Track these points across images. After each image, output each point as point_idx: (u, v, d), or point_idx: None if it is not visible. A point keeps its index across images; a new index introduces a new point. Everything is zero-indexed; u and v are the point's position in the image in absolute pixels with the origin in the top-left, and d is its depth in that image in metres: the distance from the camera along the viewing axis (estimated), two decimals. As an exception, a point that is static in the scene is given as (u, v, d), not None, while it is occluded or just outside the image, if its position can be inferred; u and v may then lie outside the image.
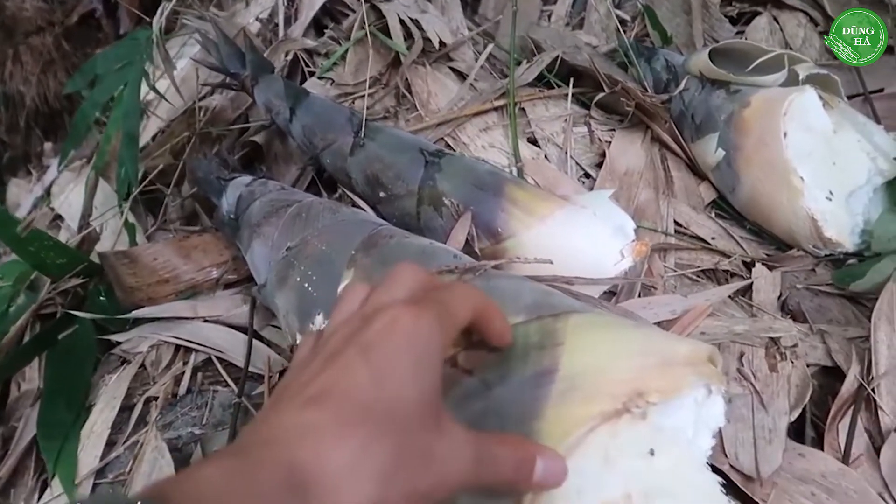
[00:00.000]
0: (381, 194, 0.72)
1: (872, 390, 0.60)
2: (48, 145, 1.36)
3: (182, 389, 0.66)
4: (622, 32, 0.97)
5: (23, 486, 0.67)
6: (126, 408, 0.66)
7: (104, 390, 0.68)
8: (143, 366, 0.69)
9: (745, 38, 1.04)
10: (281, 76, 0.80)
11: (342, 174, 0.75)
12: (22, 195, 1.23)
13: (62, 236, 0.96)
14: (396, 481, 0.31)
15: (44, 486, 0.66)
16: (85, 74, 0.86)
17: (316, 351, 0.37)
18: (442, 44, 0.93)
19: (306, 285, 0.61)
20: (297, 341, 0.60)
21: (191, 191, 0.91)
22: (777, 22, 1.05)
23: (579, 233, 0.68)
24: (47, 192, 1.24)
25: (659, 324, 0.66)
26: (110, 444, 0.63)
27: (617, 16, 1.14)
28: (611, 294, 0.69)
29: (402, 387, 0.33)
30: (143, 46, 0.80)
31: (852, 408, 0.61)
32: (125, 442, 0.63)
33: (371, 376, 0.33)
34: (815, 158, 0.72)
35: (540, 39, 1.03)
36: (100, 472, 0.61)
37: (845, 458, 0.57)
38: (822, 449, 0.59)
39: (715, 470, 0.48)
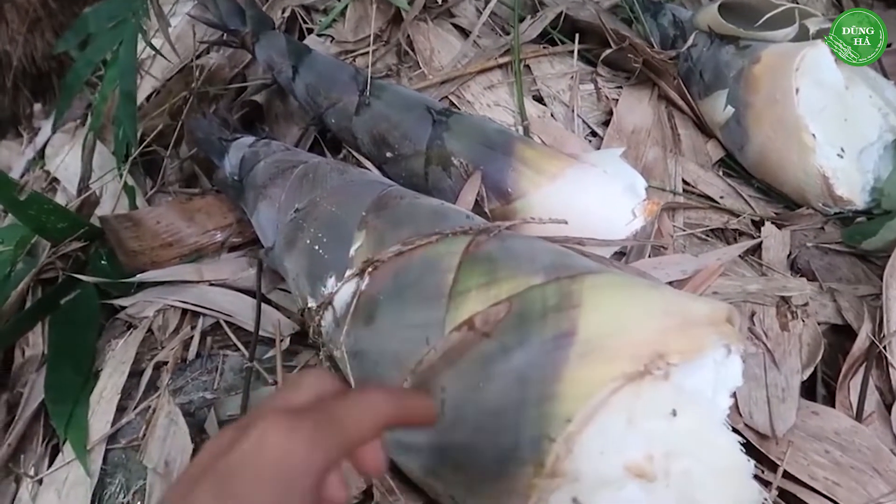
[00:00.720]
0: (388, 154, 0.71)
1: (884, 348, 0.60)
2: (37, 107, 1.33)
3: (191, 354, 0.65)
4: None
5: (32, 452, 0.67)
6: (135, 373, 0.65)
7: (111, 355, 0.68)
8: (150, 330, 0.69)
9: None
10: (283, 33, 0.78)
11: (347, 134, 0.73)
12: (13, 158, 1.21)
13: (59, 199, 0.94)
14: None
15: (54, 452, 0.66)
16: (77, 33, 0.84)
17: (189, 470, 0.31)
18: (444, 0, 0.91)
19: (317, 247, 0.60)
20: (308, 304, 0.60)
21: (190, 152, 0.89)
22: (786, -24, 1.02)
23: (590, 192, 0.67)
24: (40, 155, 1.22)
25: (670, 284, 0.65)
26: (121, 410, 0.63)
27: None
28: (620, 254, 0.69)
29: None
30: (138, 2, 0.78)
31: (864, 366, 0.61)
32: (136, 407, 0.62)
33: None
34: (827, 115, 0.71)
35: (541, -6, 1.01)
36: (112, 438, 0.61)
37: (858, 416, 0.58)
38: (833, 407, 0.60)
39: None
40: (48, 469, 0.62)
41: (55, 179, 1.01)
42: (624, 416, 0.43)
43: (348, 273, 0.57)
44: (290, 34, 0.97)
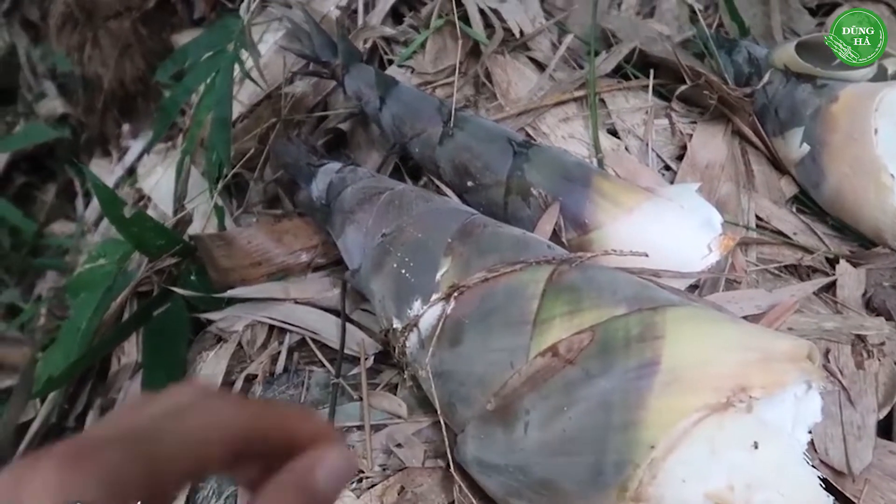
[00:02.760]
0: (469, 184, 0.74)
1: (963, 391, 0.60)
2: (126, 127, 1.41)
3: (279, 368, 0.69)
4: (702, 22, 0.96)
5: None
6: (226, 384, 0.69)
7: (203, 366, 0.72)
8: (239, 344, 0.72)
9: (825, 31, 1.02)
10: (371, 65, 0.82)
11: (430, 163, 0.76)
12: (103, 175, 1.28)
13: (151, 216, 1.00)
14: None
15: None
16: (176, 62, 0.90)
17: None
18: (521, 33, 0.94)
19: (403, 272, 0.63)
20: (394, 325, 0.63)
21: (274, 175, 0.94)
22: (859, 13, 1.03)
23: (666, 225, 0.69)
24: (128, 173, 1.29)
25: (744, 318, 0.66)
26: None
27: (689, 5, 1.14)
28: (693, 287, 0.70)
29: None
30: (235, 34, 0.83)
31: (942, 407, 0.61)
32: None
33: None
34: (906, 156, 0.72)
35: (614, 29, 1.03)
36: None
37: (937, 458, 0.58)
38: (909, 447, 0.60)
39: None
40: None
41: (144, 196, 1.07)
42: (707, 446, 0.45)
43: (434, 297, 0.60)
44: (370, 65, 1.01)
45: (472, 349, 0.56)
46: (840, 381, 0.63)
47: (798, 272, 0.76)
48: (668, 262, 0.68)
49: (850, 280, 0.73)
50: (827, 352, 0.66)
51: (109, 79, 1.47)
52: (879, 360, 0.65)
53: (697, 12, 1.14)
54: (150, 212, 1.01)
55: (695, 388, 0.46)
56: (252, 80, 0.86)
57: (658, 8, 1.15)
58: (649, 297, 0.54)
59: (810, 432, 0.50)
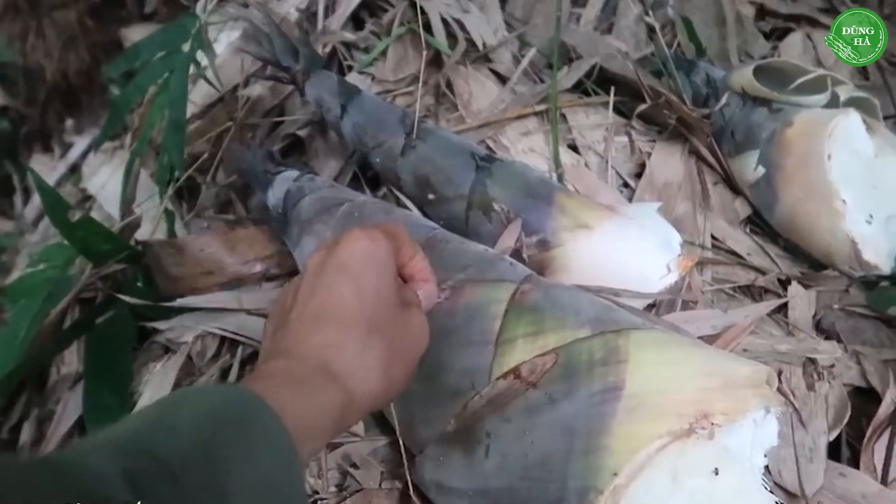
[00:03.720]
0: (431, 196, 0.73)
1: (910, 415, 0.62)
2: (69, 122, 1.35)
3: (232, 379, 0.66)
4: (662, 42, 0.97)
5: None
6: (173, 397, 0.66)
7: (150, 378, 0.69)
8: (188, 356, 0.70)
9: (779, 55, 1.05)
10: (334, 72, 0.80)
11: (391, 174, 0.75)
12: (45, 172, 1.22)
13: (95, 218, 0.96)
14: (394, 358, 0.43)
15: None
16: (128, 60, 0.86)
17: (301, 276, 0.45)
18: (484, 45, 0.93)
19: (362, 286, 0.61)
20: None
21: (227, 180, 0.91)
22: (810, 39, 1.06)
23: (626, 244, 0.69)
24: (71, 171, 1.24)
25: (700, 339, 0.67)
26: (159, 434, 0.64)
27: (647, 24, 1.15)
28: (650, 307, 0.71)
29: (375, 294, 0.43)
30: (191, 33, 0.80)
31: (888, 430, 0.62)
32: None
33: (351, 290, 0.42)
34: (857, 182, 0.73)
35: (574, 44, 1.04)
36: (150, 462, 0.61)
37: (883, 480, 0.59)
38: (858, 469, 0.61)
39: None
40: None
41: (88, 197, 1.03)
42: (669, 473, 0.45)
43: (394, 313, 0.58)
44: (330, 70, 0.99)
45: (433, 369, 0.55)
46: (792, 403, 0.64)
47: (751, 292, 0.77)
48: (628, 280, 0.68)
49: (802, 302, 0.74)
50: (779, 373, 0.67)
51: (52, 70, 1.41)
52: (829, 382, 0.66)
53: (656, 31, 1.15)
54: (94, 214, 0.97)
55: (658, 414, 0.46)
56: (207, 81, 0.83)
57: (616, 25, 1.16)
58: (612, 320, 0.53)
59: (766, 456, 0.51)
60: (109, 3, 1.41)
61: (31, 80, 1.42)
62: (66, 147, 1.30)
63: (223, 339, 0.70)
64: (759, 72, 0.84)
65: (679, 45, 1.10)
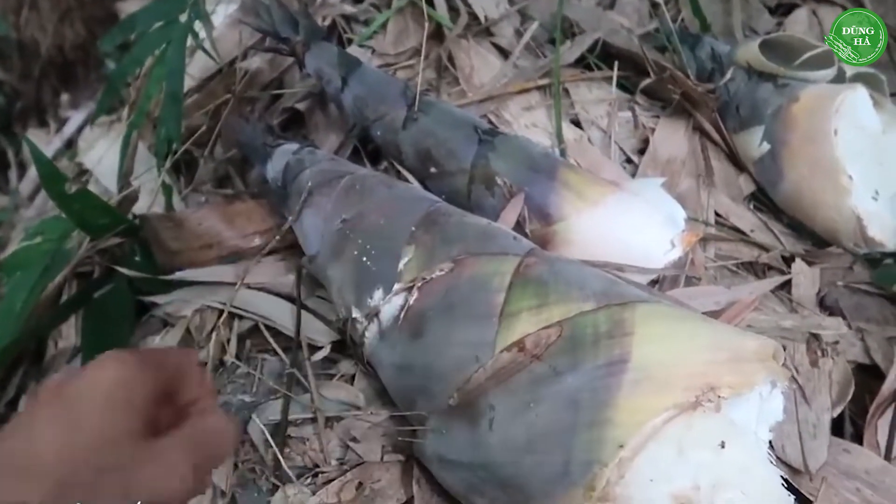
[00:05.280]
0: (432, 170, 0.72)
1: (913, 393, 0.62)
2: (65, 97, 1.34)
3: (229, 356, 0.66)
4: (667, 16, 0.96)
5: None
6: (172, 371, 0.66)
7: (148, 352, 0.68)
8: (187, 330, 0.69)
9: (784, 31, 1.04)
10: (334, 44, 0.79)
11: (392, 147, 0.74)
12: (40, 146, 1.20)
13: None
14: None
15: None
16: (123, 31, 0.85)
17: (31, 408, 0.36)
18: (486, 19, 0.92)
19: (364, 259, 0.61)
20: (352, 314, 0.60)
21: (226, 154, 0.90)
22: (816, 15, 1.04)
23: (630, 219, 0.69)
24: (67, 145, 1.23)
25: (704, 314, 0.66)
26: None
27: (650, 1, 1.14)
28: (653, 283, 0.70)
29: (100, 438, 0.34)
30: (188, 3, 0.79)
31: (893, 406, 0.62)
32: (174, 406, 0.62)
33: (61, 438, 0.33)
34: (863, 158, 0.73)
35: (577, 19, 1.02)
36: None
37: (887, 456, 0.59)
38: (861, 445, 0.61)
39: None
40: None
41: (85, 171, 1.01)
42: (675, 446, 0.44)
43: (397, 286, 0.58)
44: (329, 42, 0.98)
45: (436, 342, 0.54)
46: (796, 380, 0.64)
47: (754, 269, 0.77)
48: (632, 256, 0.67)
49: (805, 279, 0.73)
50: (784, 349, 0.66)
51: (48, 45, 1.39)
52: (833, 358, 0.66)
53: (661, 4, 1.14)
54: (91, 187, 0.96)
55: (664, 387, 0.45)
56: (206, 52, 0.82)
57: (619, 0, 1.15)
58: (618, 293, 0.53)
59: (771, 431, 0.50)
60: (104, -24, 1.39)
61: (26, 54, 1.40)
62: (62, 122, 1.29)
63: (222, 312, 0.69)
64: (764, 46, 0.83)
65: (683, 20, 1.09)
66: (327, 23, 0.99)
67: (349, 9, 0.99)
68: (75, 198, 0.68)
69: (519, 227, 0.69)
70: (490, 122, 0.85)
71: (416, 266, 0.58)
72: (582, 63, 0.95)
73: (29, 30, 1.38)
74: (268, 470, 0.56)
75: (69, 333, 0.75)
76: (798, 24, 1.04)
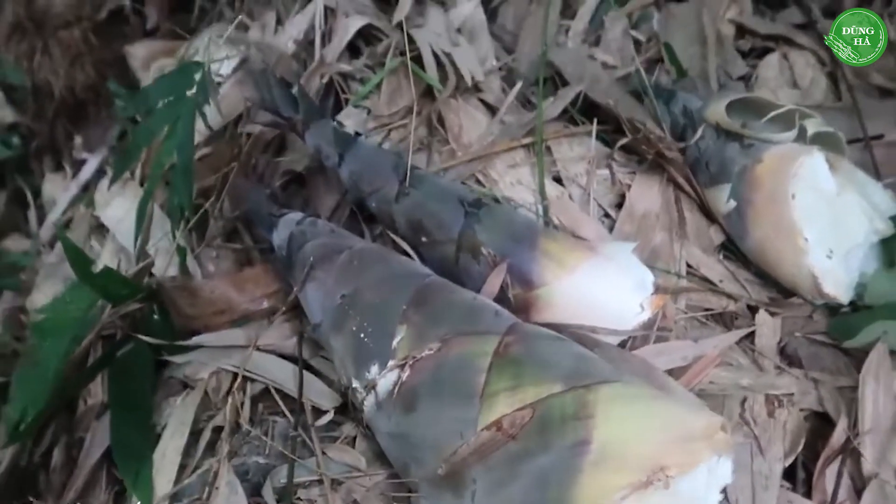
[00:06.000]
0: (423, 239, 0.79)
1: (858, 444, 0.69)
2: (78, 140, 1.41)
3: (244, 418, 0.73)
4: (642, 73, 1.02)
5: (95, 499, 0.75)
6: (193, 432, 0.73)
7: (170, 412, 0.75)
8: (205, 392, 0.76)
9: (757, 76, 1.10)
10: (332, 121, 0.86)
11: (387, 217, 0.81)
12: (57, 192, 1.29)
13: (108, 249, 1.02)
14: None
15: (116, 499, 0.74)
16: (137, 105, 0.92)
17: None
18: (472, 79, 0.98)
19: (362, 335, 0.68)
20: (352, 384, 0.68)
21: (233, 212, 0.97)
22: (787, 60, 1.10)
23: (604, 285, 0.75)
24: (83, 189, 1.30)
25: (671, 370, 0.73)
26: (182, 468, 0.71)
27: (633, 37, 1.20)
28: (624, 342, 0.77)
29: None
30: (197, 83, 0.85)
31: (840, 457, 0.69)
32: (196, 468, 0.70)
33: None
34: (819, 219, 0.79)
35: (560, 64, 1.09)
36: (173, 497, 0.69)
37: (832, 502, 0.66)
38: (810, 491, 0.68)
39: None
40: (114, 516, 0.70)
41: (102, 226, 1.08)
42: (630, 521, 0.52)
43: (391, 363, 0.65)
44: (327, 100, 1.05)
45: (426, 416, 0.61)
46: (753, 431, 0.71)
47: (723, 319, 0.83)
48: (605, 318, 0.74)
49: (768, 330, 0.80)
50: (743, 401, 0.73)
51: (60, 87, 1.46)
52: (788, 409, 0.73)
53: (639, 44, 1.20)
54: (108, 243, 1.04)
55: (620, 467, 0.52)
56: (210, 128, 0.89)
57: (604, 37, 1.21)
58: (585, 373, 0.60)
59: (722, 492, 0.57)
60: (112, 21, 1.45)
61: (40, 96, 1.47)
62: (77, 164, 1.36)
63: (235, 375, 0.77)
64: (734, 105, 0.89)
65: (663, 60, 1.15)
66: (325, 80, 1.05)
67: (345, 67, 1.05)
68: (100, 276, 0.75)
69: (503, 292, 0.75)
70: (478, 181, 0.92)
71: (407, 344, 0.65)
72: (566, 115, 1.01)
73: (42, 73, 1.45)
74: (280, 531, 0.64)
75: (97, 391, 0.83)
76: (770, 68, 1.10)
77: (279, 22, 1.20)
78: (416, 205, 0.79)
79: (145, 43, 1.43)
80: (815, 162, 0.81)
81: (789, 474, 0.70)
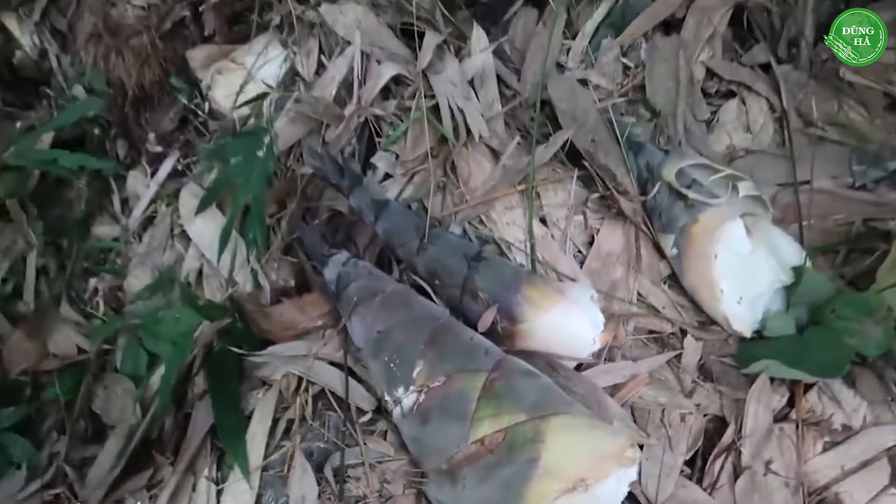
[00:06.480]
0: (437, 283, 1.07)
1: (740, 444, 0.98)
2: (151, 136, 1.66)
3: (309, 411, 1.04)
4: (615, 127, 1.24)
5: (203, 461, 1.07)
6: (274, 420, 1.04)
7: (256, 403, 1.06)
8: (279, 391, 1.07)
9: (717, 119, 1.32)
10: (369, 190, 1.12)
11: (410, 264, 1.09)
12: (139, 188, 1.56)
13: (192, 255, 1.31)
14: None
15: (219, 463, 1.06)
16: (218, 155, 1.18)
17: None
18: (480, 137, 1.22)
19: (392, 365, 0.97)
20: (385, 397, 0.97)
21: (289, 235, 1.24)
22: (744, 104, 1.32)
23: (568, 323, 1.02)
24: (161, 185, 1.57)
25: (614, 386, 1.02)
26: (267, 446, 1.02)
27: (623, 63, 1.41)
28: (579, 365, 1.05)
29: None
30: (266, 144, 1.11)
31: (725, 453, 0.98)
32: (277, 448, 1.01)
33: None
34: (733, 274, 1.05)
35: (556, 100, 1.31)
36: (263, 468, 1.00)
37: (711, 490, 0.96)
38: (703, 478, 0.98)
39: (630, 496, 0.87)
40: (223, 479, 1.02)
41: (184, 233, 1.36)
42: (560, 512, 0.82)
43: (412, 388, 0.94)
44: (361, 140, 1.29)
45: (434, 429, 0.91)
46: (667, 433, 1.00)
47: (662, 340, 1.11)
48: (569, 347, 1.02)
49: (692, 351, 1.08)
50: (664, 410, 1.02)
51: (131, 85, 1.71)
52: (696, 416, 1.02)
53: (628, 69, 1.41)
54: (192, 249, 1.32)
55: (556, 479, 0.82)
56: (270, 183, 1.15)
57: (598, 60, 1.42)
58: (545, 404, 0.88)
59: (629, 487, 0.87)
60: (175, 29, 1.67)
61: (115, 92, 1.72)
62: (152, 158, 1.62)
63: (300, 378, 1.07)
64: (681, 172, 1.13)
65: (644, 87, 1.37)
66: (361, 120, 1.30)
67: (378, 111, 1.29)
68: (204, 306, 1.04)
69: (494, 325, 1.04)
70: (482, 221, 1.18)
71: (424, 376, 0.94)
72: (556, 158, 1.25)
73: (116, 72, 1.70)
74: (334, 497, 0.96)
75: (200, 382, 1.14)
76: (729, 113, 1.31)
77: (321, 52, 1.42)
78: (432, 258, 1.06)
79: (204, 47, 1.66)
80: (735, 228, 1.06)
81: (693, 464, 1.00)
